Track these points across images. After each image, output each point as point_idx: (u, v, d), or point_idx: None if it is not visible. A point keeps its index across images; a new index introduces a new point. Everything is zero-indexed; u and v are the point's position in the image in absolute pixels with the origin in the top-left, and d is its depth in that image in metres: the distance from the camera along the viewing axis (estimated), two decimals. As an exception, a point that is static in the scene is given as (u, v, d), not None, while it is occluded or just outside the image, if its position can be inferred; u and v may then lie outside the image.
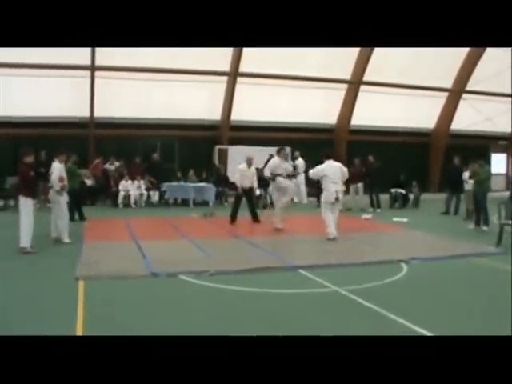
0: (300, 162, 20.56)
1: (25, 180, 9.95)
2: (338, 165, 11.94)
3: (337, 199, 11.56)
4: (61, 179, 10.64)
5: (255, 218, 14.03)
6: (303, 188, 20.67)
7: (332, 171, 11.68)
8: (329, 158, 12.04)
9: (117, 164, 19.71)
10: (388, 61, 22.12)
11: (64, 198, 10.77)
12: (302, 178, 20.46)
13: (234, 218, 13.76)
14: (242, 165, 13.97)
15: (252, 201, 14.38)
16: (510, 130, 24.57)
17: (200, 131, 22.31)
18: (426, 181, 24.70)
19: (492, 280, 8.08)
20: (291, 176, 12.84)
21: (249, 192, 14.06)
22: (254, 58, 20.34)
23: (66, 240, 10.68)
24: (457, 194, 16.53)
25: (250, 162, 14.02)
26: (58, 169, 10.67)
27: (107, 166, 19.62)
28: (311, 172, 12.19)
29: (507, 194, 16.78)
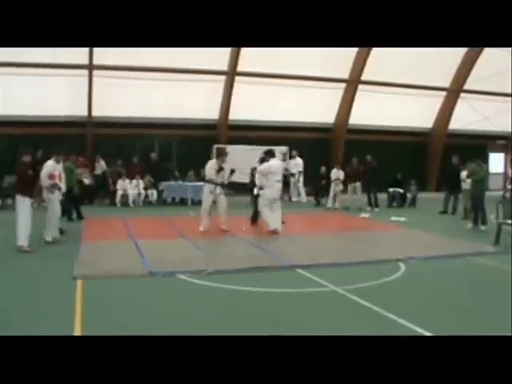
0: (298, 160, 20.59)
1: (22, 179, 9.94)
2: (281, 163, 12.69)
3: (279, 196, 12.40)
4: (52, 177, 10.51)
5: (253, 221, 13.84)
6: (302, 187, 20.67)
7: (278, 170, 12.35)
8: (273, 156, 12.65)
9: (102, 163, 19.80)
10: (386, 60, 22.11)
11: (55, 196, 10.62)
12: (300, 176, 20.49)
13: (255, 219, 13.54)
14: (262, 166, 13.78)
15: None
16: (507, 130, 24.57)
17: (198, 130, 22.29)
18: (424, 180, 24.71)
19: (490, 279, 8.09)
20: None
21: None
22: (252, 57, 20.33)
23: (48, 238, 10.45)
24: (455, 194, 16.54)
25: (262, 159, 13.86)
26: (48, 166, 10.49)
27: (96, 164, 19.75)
28: (261, 168, 12.53)
29: (507, 193, 16.70)
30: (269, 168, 12.26)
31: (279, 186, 12.35)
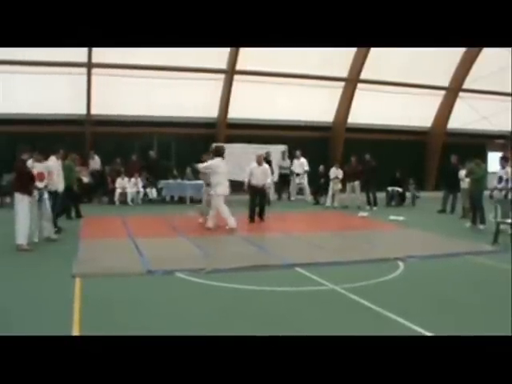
0: (303, 160, 20.55)
1: (21, 177, 9.92)
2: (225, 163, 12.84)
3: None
4: (41, 176, 10.39)
5: (261, 217, 13.96)
6: (307, 186, 20.63)
7: (224, 167, 12.52)
8: (219, 155, 12.83)
9: (97, 159, 19.76)
10: (385, 59, 22.08)
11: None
12: (305, 176, 20.48)
13: (252, 217, 13.72)
14: (252, 163, 13.93)
15: (264, 199, 14.26)
16: (506, 129, 24.55)
17: (197, 129, 22.26)
18: (423, 179, 24.71)
19: (489, 278, 8.10)
20: None
21: (261, 190, 13.99)
22: (251, 55, 20.29)
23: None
24: (453, 193, 16.56)
25: (259, 160, 13.95)
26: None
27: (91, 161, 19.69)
28: (203, 166, 12.68)
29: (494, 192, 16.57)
30: (209, 166, 12.42)
31: (227, 183, 12.49)
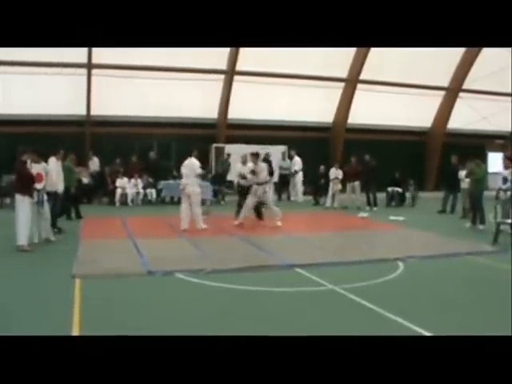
0: (297, 160, 20.61)
1: (22, 178, 9.91)
2: (192, 161, 12.72)
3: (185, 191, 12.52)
4: (39, 177, 10.35)
5: (259, 216, 14.01)
6: (300, 186, 20.67)
7: (183, 166, 12.72)
8: (193, 155, 12.95)
9: (96, 160, 19.75)
10: (385, 59, 22.11)
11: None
12: (299, 176, 20.50)
13: (237, 213, 13.86)
14: (238, 164, 14.16)
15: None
16: (506, 129, 24.55)
17: (197, 129, 22.28)
18: (423, 179, 24.72)
19: (488, 278, 8.10)
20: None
21: (249, 189, 14.07)
22: (251, 56, 20.32)
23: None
24: (453, 193, 16.56)
25: (244, 160, 14.10)
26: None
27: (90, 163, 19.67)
28: None
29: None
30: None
31: (183, 181, 12.59)
